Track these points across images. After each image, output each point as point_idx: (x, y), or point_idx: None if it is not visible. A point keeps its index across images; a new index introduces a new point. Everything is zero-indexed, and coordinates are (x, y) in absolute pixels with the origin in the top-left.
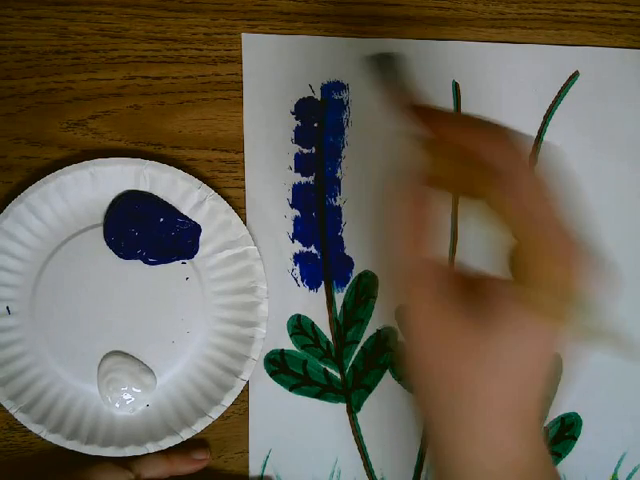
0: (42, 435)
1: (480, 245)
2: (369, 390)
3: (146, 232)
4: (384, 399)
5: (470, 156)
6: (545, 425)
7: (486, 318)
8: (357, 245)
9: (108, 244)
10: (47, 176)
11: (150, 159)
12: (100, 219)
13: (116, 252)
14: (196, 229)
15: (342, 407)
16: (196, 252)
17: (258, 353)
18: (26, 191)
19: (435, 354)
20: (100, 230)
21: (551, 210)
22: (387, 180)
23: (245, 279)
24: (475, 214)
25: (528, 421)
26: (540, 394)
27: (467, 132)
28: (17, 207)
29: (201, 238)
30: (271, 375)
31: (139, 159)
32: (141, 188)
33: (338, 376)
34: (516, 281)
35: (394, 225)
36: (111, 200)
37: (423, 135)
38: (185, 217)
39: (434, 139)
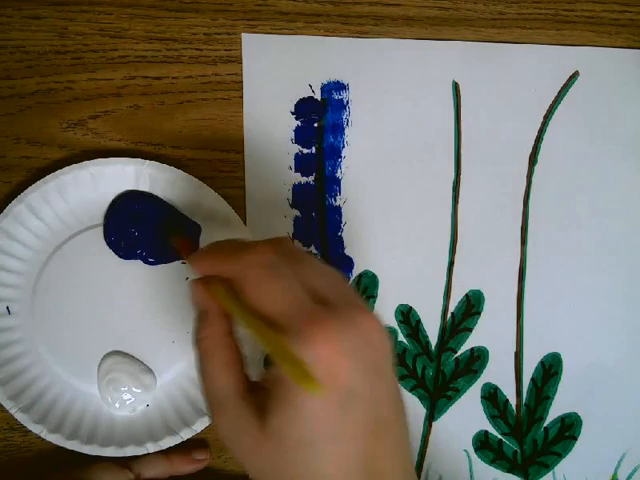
0: (42, 435)
1: (480, 245)
2: None
3: (146, 232)
4: None
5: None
6: (545, 425)
7: (277, 402)
8: (357, 245)
9: (108, 244)
10: (47, 176)
11: (150, 159)
12: (100, 219)
13: (116, 252)
14: (196, 229)
15: None
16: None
17: (258, 354)
18: (26, 191)
19: (256, 463)
20: (100, 230)
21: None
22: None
23: None
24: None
25: None
26: (384, 446)
27: (203, 261)
28: (17, 207)
29: (201, 238)
30: None
31: (139, 159)
32: (141, 188)
33: None
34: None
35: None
36: (111, 200)
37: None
38: (185, 217)
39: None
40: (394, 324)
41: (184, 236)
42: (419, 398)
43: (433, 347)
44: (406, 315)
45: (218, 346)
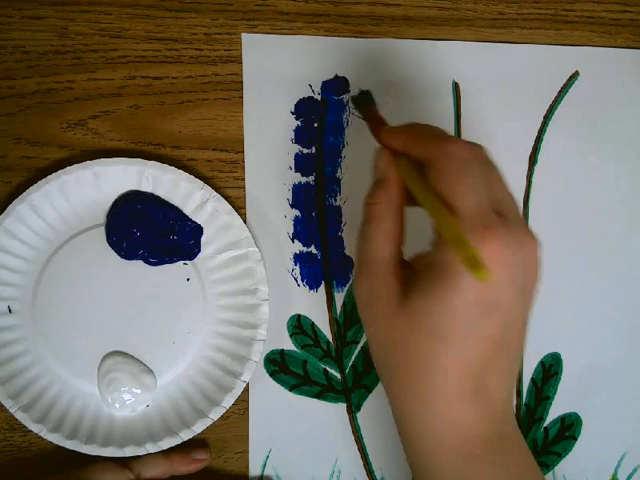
0: (42, 434)
1: None
2: (369, 390)
3: (148, 232)
4: (384, 399)
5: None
6: (545, 425)
7: (424, 286)
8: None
9: (110, 244)
10: (49, 176)
11: (150, 159)
12: (102, 219)
13: (118, 252)
14: (198, 230)
15: (342, 407)
16: (198, 253)
17: (259, 355)
18: (28, 190)
19: (382, 329)
20: (102, 230)
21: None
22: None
23: (246, 281)
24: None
25: (489, 397)
26: (499, 363)
27: (398, 138)
28: (19, 206)
29: (203, 239)
30: (271, 375)
31: (141, 159)
32: (143, 189)
33: (338, 376)
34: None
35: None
36: (113, 200)
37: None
38: (187, 218)
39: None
40: None
41: (375, 109)
42: None
43: None
44: None
45: (388, 214)
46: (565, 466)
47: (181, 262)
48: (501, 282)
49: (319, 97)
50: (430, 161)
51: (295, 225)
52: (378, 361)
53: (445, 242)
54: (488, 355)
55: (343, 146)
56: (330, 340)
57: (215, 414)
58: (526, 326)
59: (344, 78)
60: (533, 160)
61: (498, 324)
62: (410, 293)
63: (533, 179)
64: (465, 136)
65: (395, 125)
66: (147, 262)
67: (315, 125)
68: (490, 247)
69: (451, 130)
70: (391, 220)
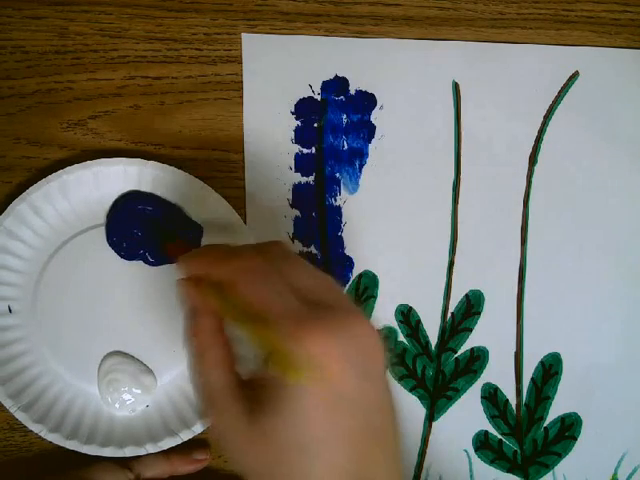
0: (42, 434)
1: (480, 245)
2: None
3: (148, 233)
4: None
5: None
6: (545, 425)
7: (267, 406)
8: (357, 245)
9: (110, 244)
10: (50, 175)
11: (150, 159)
12: (102, 219)
13: (118, 252)
14: (198, 230)
15: None
16: None
17: (251, 352)
18: (29, 190)
19: (245, 461)
20: (102, 230)
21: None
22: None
23: None
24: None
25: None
26: (374, 452)
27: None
28: (20, 206)
29: (203, 239)
30: None
31: (142, 159)
32: (143, 189)
33: None
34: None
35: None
36: (113, 200)
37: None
38: (187, 218)
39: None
40: (394, 324)
41: (179, 241)
42: (419, 398)
43: (433, 347)
44: (406, 315)
45: (209, 343)
46: (565, 466)
47: None
48: (337, 373)
49: (319, 97)
50: (225, 281)
51: (295, 225)
52: None
53: (267, 355)
54: (357, 449)
55: (343, 146)
56: None
57: None
58: (390, 403)
59: (344, 78)
60: (533, 160)
61: (352, 415)
62: (258, 413)
63: (533, 179)
64: (465, 136)
65: (190, 252)
66: (147, 262)
67: (315, 125)
68: (312, 347)
69: (451, 130)
70: (214, 347)
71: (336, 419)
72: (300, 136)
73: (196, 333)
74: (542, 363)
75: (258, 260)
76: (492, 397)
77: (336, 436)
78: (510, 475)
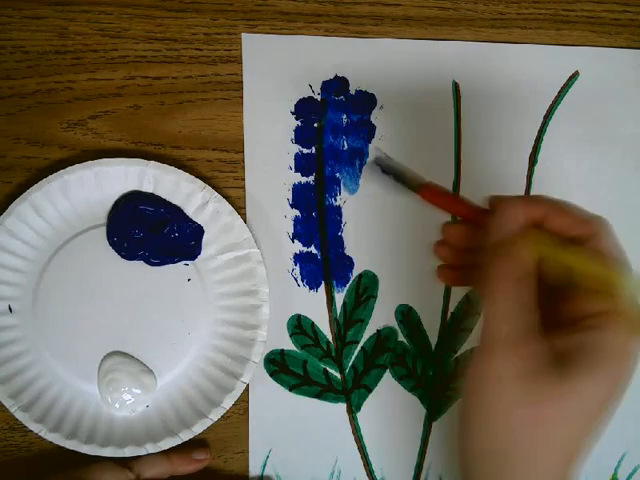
0: (41, 434)
1: None
2: (369, 390)
3: (149, 233)
4: (384, 399)
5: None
6: None
7: (581, 367)
8: (357, 245)
9: (111, 244)
10: (51, 175)
11: (150, 159)
12: (103, 219)
13: (119, 252)
14: (199, 231)
15: (342, 407)
16: (199, 254)
17: (259, 356)
18: (30, 190)
19: (501, 415)
20: (103, 230)
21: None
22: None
23: (247, 281)
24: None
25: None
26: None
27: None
28: (21, 206)
29: (204, 240)
30: (271, 375)
31: (143, 160)
32: (145, 189)
33: (338, 376)
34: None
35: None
36: (114, 200)
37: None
38: (188, 218)
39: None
40: (394, 324)
41: (430, 185)
42: (419, 398)
43: (433, 347)
44: (406, 315)
45: (519, 288)
46: None
47: (182, 263)
48: None
49: (319, 97)
50: (588, 235)
51: (295, 225)
52: (473, 462)
53: (607, 317)
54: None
55: (343, 146)
56: (330, 340)
57: (215, 415)
58: None
59: (344, 78)
60: (533, 160)
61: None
62: (569, 370)
63: (533, 179)
64: (465, 136)
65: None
66: (148, 262)
67: (315, 125)
68: None
69: (451, 130)
70: (514, 295)
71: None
72: (300, 136)
73: (507, 272)
74: None
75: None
76: None
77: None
78: None
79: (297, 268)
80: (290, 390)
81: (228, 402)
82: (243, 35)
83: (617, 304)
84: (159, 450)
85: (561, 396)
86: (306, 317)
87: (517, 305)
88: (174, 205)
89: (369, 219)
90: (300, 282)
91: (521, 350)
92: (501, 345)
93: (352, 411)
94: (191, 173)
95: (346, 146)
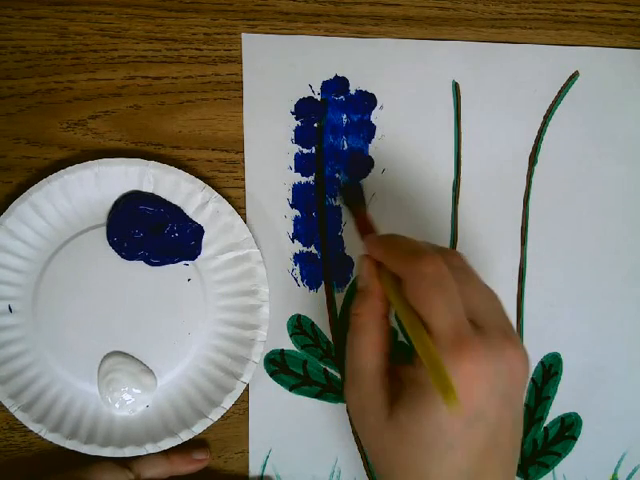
0: (41, 434)
1: (480, 245)
2: None
3: (149, 233)
4: None
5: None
6: (545, 425)
7: (408, 400)
8: (357, 245)
9: (111, 244)
10: (51, 175)
11: (150, 159)
12: (103, 219)
13: (119, 252)
14: (199, 231)
15: (342, 407)
16: (199, 254)
17: (259, 356)
18: (30, 190)
19: (373, 439)
20: (103, 230)
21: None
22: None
23: (247, 282)
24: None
25: None
26: (492, 466)
27: (378, 249)
28: (21, 206)
29: (204, 240)
30: (271, 375)
31: (143, 159)
32: (145, 189)
33: (338, 376)
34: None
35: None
36: (114, 200)
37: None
38: (188, 218)
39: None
40: (394, 324)
41: (364, 210)
42: None
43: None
44: None
45: (372, 325)
46: (565, 466)
47: (182, 263)
48: (483, 393)
49: (319, 97)
50: (404, 277)
51: (295, 225)
52: (374, 465)
53: (420, 358)
54: (478, 461)
55: (343, 146)
56: (330, 340)
57: (215, 415)
58: (519, 424)
59: (344, 78)
60: (533, 160)
61: (484, 433)
62: (396, 406)
63: (533, 179)
64: (465, 136)
65: (377, 235)
66: (148, 262)
67: (315, 125)
68: (466, 365)
69: (451, 130)
70: (376, 331)
71: (469, 433)
72: (300, 136)
73: (361, 312)
74: (542, 363)
75: (438, 267)
76: None
77: (464, 445)
78: None
79: (297, 268)
80: (290, 390)
81: (228, 402)
82: (243, 35)
83: (424, 360)
84: (159, 450)
85: (395, 428)
86: (306, 317)
87: (377, 342)
88: (174, 205)
89: None
90: (300, 282)
91: (381, 383)
92: (370, 379)
93: None
94: (191, 173)
95: (346, 146)
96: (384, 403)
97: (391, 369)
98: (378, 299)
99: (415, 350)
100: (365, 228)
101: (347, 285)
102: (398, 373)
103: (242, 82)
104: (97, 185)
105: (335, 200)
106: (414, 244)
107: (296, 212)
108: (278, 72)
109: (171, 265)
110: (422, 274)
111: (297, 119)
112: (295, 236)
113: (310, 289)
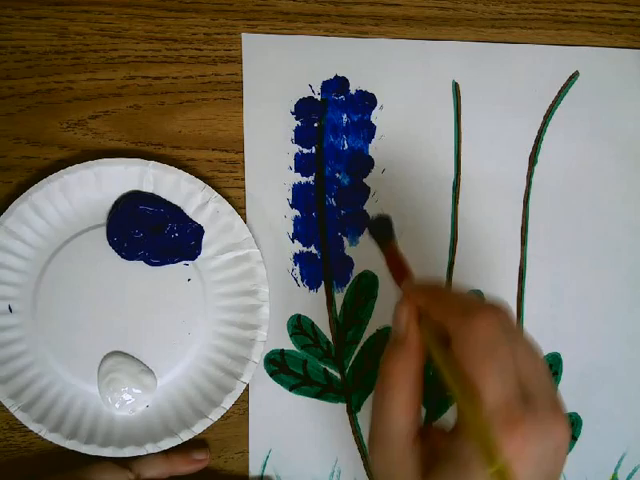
0: (41, 434)
1: (480, 245)
2: (369, 390)
3: (149, 233)
4: None
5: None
6: None
7: (443, 475)
8: (357, 245)
9: (111, 244)
10: (51, 175)
11: (150, 159)
12: (103, 219)
13: (119, 252)
14: (199, 231)
15: (342, 407)
16: (199, 254)
17: (259, 356)
18: (30, 190)
19: None
20: (103, 230)
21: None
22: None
23: (247, 282)
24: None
25: None
26: None
27: (420, 296)
28: (21, 206)
29: (204, 240)
30: (271, 375)
31: (143, 160)
32: (145, 189)
33: (338, 376)
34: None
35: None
36: (114, 200)
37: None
38: (188, 218)
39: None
40: None
41: (395, 246)
42: None
43: None
44: None
45: (406, 384)
46: (565, 466)
47: (182, 263)
48: (526, 475)
49: (319, 97)
50: (454, 334)
51: (295, 225)
52: None
53: (467, 430)
54: None
55: (343, 146)
56: (330, 340)
57: (215, 415)
58: None
59: (344, 78)
60: (533, 160)
61: None
62: (431, 477)
63: (533, 179)
64: (465, 136)
65: (419, 284)
66: (148, 262)
67: (315, 125)
68: (515, 443)
69: (451, 130)
70: (410, 389)
71: None
72: (300, 136)
73: (394, 372)
74: None
75: (493, 328)
76: None
77: None
78: None
79: (297, 268)
80: (290, 390)
81: (228, 402)
82: (243, 35)
83: (471, 428)
84: (159, 450)
85: None
86: (306, 317)
87: (409, 402)
88: (174, 205)
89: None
90: (300, 282)
91: (411, 450)
92: (401, 444)
93: (352, 411)
94: (191, 173)
95: (346, 146)
96: (414, 473)
97: (422, 430)
98: (415, 354)
99: (457, 415)
100: (397, 266)
101: (347, 285)
102: (431, 435)
103: (242, 82)
104: (97, 185)
105: (335, 200)
106: (463, 298)
107: (296, 212)
108: (278, 72)
109: (171, 265)
110: (475, 334)
111: (297, 119)
112: (295, 236)
113: (310, 289)
